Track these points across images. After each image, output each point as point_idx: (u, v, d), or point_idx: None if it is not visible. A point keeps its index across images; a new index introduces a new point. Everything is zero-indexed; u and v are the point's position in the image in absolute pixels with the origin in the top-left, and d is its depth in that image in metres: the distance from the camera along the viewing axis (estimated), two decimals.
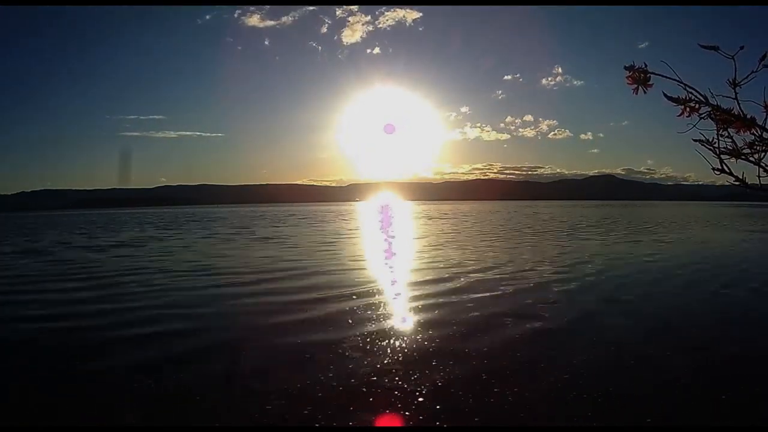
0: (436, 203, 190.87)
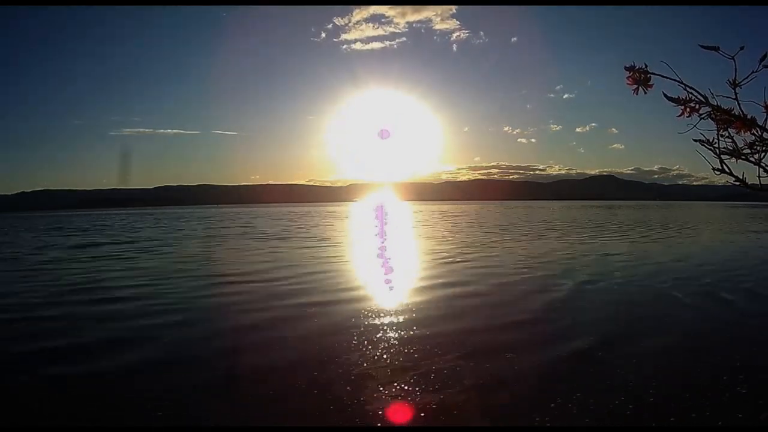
0: (434, 203, 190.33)
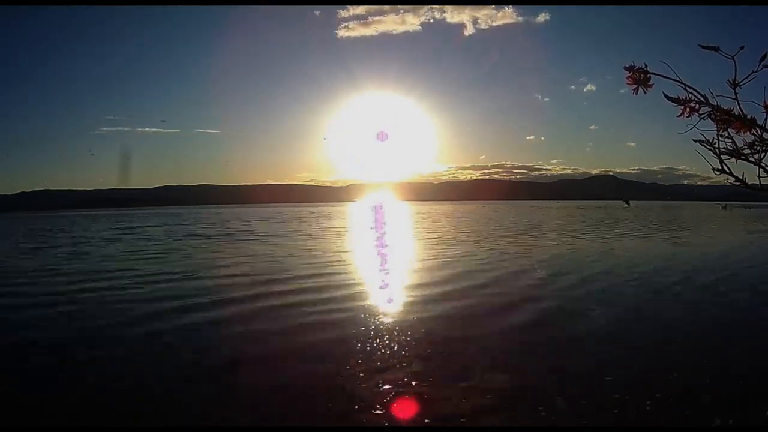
0: (432, 204, 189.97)
